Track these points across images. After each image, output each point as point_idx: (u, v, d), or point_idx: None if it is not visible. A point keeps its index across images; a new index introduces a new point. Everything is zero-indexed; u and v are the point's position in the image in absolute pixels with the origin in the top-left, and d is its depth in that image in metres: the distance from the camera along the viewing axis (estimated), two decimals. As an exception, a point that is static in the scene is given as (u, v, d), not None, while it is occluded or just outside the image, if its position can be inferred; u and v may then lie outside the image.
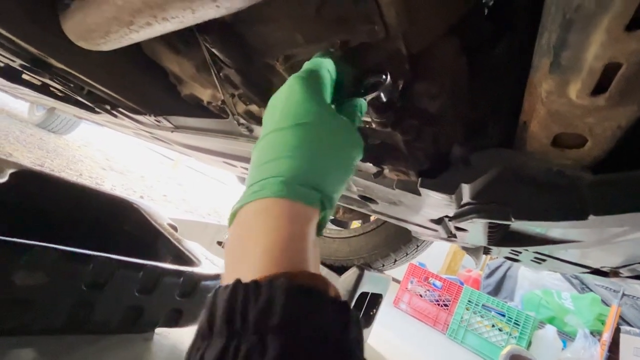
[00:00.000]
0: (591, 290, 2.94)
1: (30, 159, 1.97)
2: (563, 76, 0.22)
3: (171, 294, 0.67)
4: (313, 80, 0.31)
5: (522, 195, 0.36)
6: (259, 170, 0.29)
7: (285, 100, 0.30)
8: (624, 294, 2.69)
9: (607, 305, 2.71)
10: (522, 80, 0.38)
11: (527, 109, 0.31)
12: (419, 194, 0.42)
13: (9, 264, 0.46)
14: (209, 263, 0.85)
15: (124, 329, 0.64)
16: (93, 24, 0.42)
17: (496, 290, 3.42)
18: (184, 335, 0.78)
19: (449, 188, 0.38)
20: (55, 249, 0.50)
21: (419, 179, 0.40)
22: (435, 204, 0.45)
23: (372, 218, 1.35)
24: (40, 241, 0.52)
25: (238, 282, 0.23)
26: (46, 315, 0.52)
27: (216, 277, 0.76)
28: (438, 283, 2.83)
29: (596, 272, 0.70)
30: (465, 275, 3.59)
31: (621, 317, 2.60)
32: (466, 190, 0.38)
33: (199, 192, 4.30)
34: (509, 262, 3.47)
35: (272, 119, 0.30)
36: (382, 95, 0.39)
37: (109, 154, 3.54)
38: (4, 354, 0.49)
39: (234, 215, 0.28)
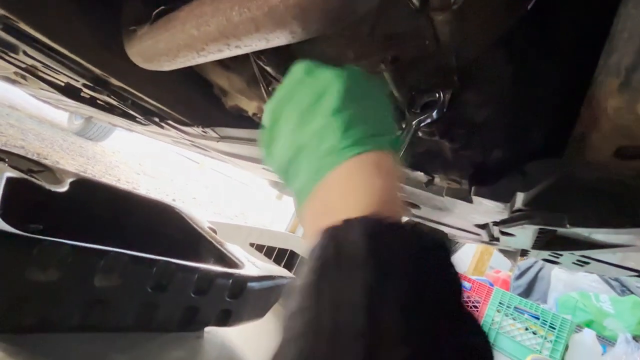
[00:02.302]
0: (632, 293, 2.79)
1: (74, 166, 2.11)
2: (633, 95, 0.23)
3: (222, 295, 0.72)
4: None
5: (578, 203, 0.37)
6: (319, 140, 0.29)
7: None
8: (669, 297, 2.55)
9: (650, 308, 2.57)
10: (565, 88, 0.38)
11: (587, 121, 0.32)
12: (470, 201, 0.43)
13: (90, 268, 0.51)
14: (252, 265, 0.88)
15: (181, 327, 0.69)
16: (163, 49, 0.45)
17: (527, 292, 3.30)
18: (231, 335, 0.82)
19: (505, 196, 0.39)
20: (126, 253, 0.55)
21: (472, 187, 0.41)
22: (485, 210, 0.46)
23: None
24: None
25: (378, 218, 0.24)
26: (119, 314, 0.57)
27: (261, 278, 0.79)
28: (467, 284, 2.77)
29: (644, 275, 0.68)
30: (493, 276, 3.50)
31: (667, 322, 2.46)
32: (520, 198, 0.39)
33: (224, 194, 4.41)
34: (540, 262, 3.34)
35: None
36: (435, 112, 0.40)
37: (141, 159, 3.71)
38: (82, 348, 0.55)
39: (304, 192, 0.29)
